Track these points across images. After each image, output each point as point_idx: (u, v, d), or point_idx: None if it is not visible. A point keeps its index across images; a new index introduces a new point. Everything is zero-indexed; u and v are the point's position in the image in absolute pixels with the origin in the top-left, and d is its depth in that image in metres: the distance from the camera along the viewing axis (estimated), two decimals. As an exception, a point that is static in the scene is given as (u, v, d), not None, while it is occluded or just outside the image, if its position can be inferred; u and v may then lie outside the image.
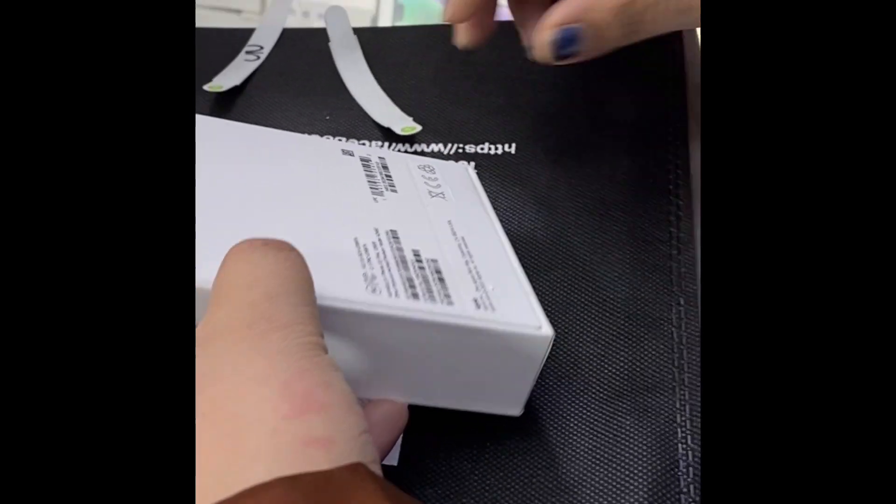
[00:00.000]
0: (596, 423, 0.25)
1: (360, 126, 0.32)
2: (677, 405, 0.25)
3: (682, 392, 0.25)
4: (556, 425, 0.25)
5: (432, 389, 0.22)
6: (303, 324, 0.19)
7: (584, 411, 0.25)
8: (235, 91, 0.33)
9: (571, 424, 0.25)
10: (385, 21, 0.48)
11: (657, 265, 0.28)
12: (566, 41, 0.26)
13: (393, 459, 0.24)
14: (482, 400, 0.23)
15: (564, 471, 0.24)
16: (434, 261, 0.22)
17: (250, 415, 0.18)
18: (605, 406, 0.25)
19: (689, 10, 0.26)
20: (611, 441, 0.24)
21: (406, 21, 0.48)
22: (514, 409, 0.23)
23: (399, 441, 0.25)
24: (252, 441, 0.17)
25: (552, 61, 0.26)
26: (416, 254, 0.22)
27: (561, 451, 0.25)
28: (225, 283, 0.20)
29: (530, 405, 0.24)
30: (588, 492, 0.23)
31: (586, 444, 0.24)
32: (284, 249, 0.20)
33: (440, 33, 0.34)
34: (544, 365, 0.22)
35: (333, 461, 0.18)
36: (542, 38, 0.26)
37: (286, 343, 0.19)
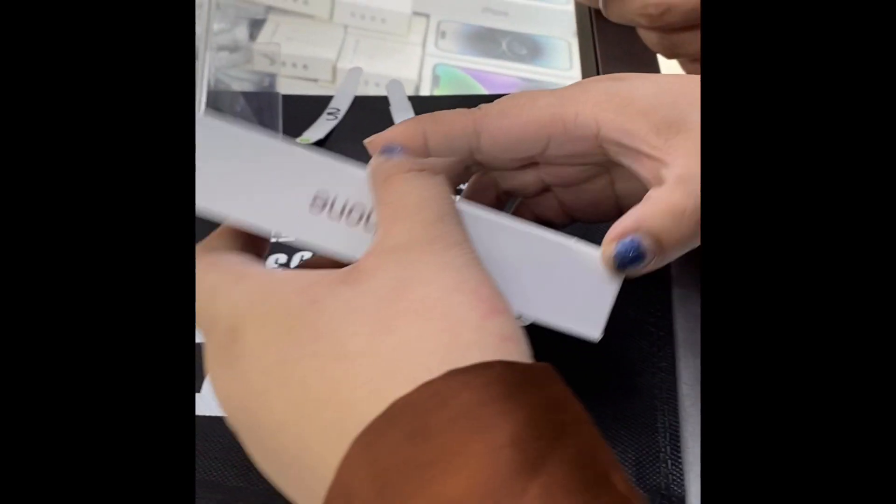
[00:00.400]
0: (593, 397, 0.31)
1: None
2: (656, 387, 0.31)
3: (660, 375, 0.31)
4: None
5: (533, 301, 0.26)
6: (466, 241, 0.22)
7: (582, 386, 0.31)
8: (320, 143, 0.42)
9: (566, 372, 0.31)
10: (425, 88, 0.55)
11: (639, 278, 0.35)
12: (624, 252, 0.25)
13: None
14: (570, 316, 0.26)
15: None
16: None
17: (456, 314, 0.20)
18: (598, 385, 0.31)
19: None
20: (606, 412, 0.30)
21: (441, 89, 0.56)
22: (594, 331, 0.26)
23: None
24: (464, 334, 0.20)
25: (618, 274, 0.26)
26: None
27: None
28: (394, 202, 0.23)
29: None
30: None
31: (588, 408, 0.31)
32: (437, 174, 0.23)
33: (469, 101, 0.43)
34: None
35: (522, 354, 0.21)
36: (605, 252, 0.25)
37: (463, 258, 0.22)
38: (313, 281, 0.22)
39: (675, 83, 0.27)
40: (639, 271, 0.25)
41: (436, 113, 0.28)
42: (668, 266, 0.34)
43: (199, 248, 0.25)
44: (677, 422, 0.30)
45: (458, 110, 0.28)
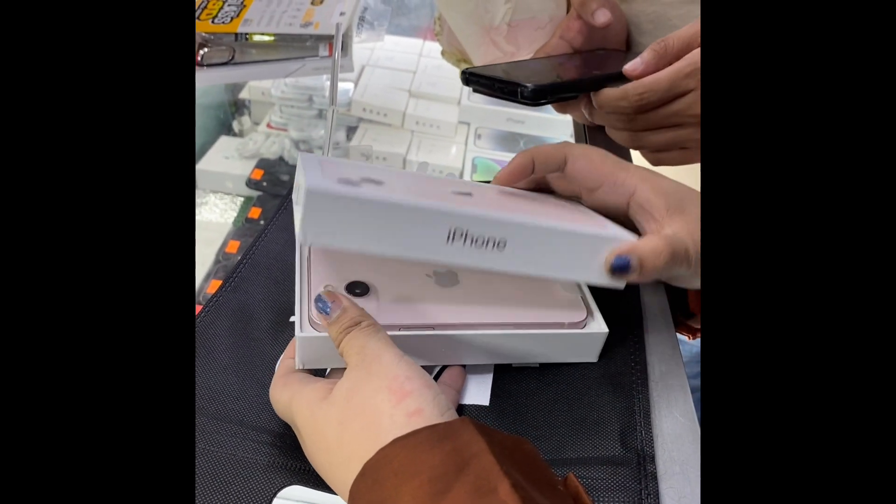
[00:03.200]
0: (592, 393, 0.36)
1: None
2: (634, 383, 0.37)
3: (633, 357, 0.37)
4: (560, 377, 0.37)
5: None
6: (388, 352, 0.28)
7: (585, 386, 0.36)
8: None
9: (573, 377, 0.36)
10: (467, 174, 0.64)
11: (620, 314, 0.40)
12: (620, 267, 0.33)
13: (485, 401, 0.36)
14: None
15: (579, 412, 0.35)
16: None
17: (379, 409, 0.26)
18: (594, 385, 0.36)
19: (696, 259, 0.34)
20: (601, 399, 0.35)
21: (478, 175, 0.64)
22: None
23: (490, 386, 0.36)
24: (383, 422, 0.26)
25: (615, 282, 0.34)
26: None
27: (569, 395, 0.36)
28: (349, 351, 0.29)
29: (530, 369, 0.37)
30: (591, 424, 0.35)
31: (577, 391, 0.36)
32: (374, 326, 0.30)
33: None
34: None
35: (427, 419, 0.25)
36: (607, 259, 0.34)
37: (384, 367, 0.28)
38: (313, 400, 0.29)
39: (685, 187, 0.36)
40: (626, 278, 0.34)
41: (538, 146, 0.37)
42: (640, 303, 0.41)
43: (280, 367, 0.33)
44: (648, 405, 0.36)
45: (552, 145, 0.37)
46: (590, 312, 0.38)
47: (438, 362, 0.34)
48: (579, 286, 0.39)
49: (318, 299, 0.31)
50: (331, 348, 0.32)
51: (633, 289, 0.44)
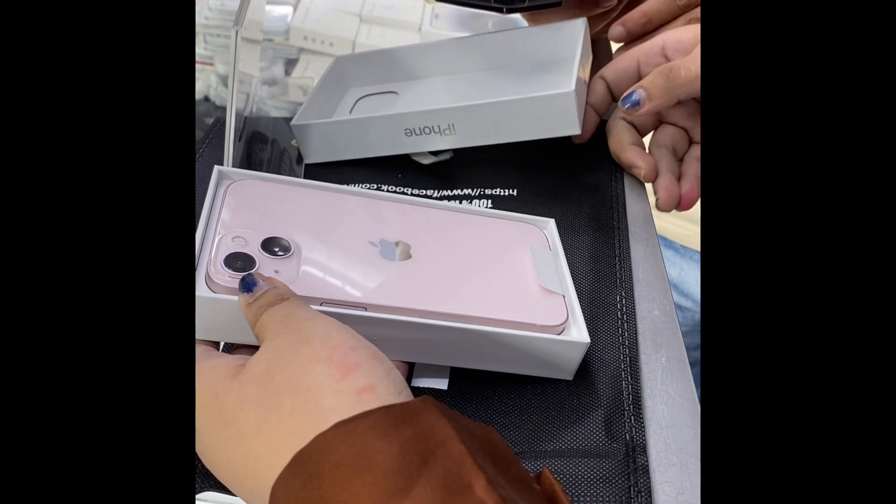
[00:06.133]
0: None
1: (420, 181, 0.47)
2: (621, 357, 0.34)
3: (623, 350, 0.35)
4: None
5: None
6: (317, 316, 0.25)
7: None
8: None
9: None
10: None
11: (607, 272, 0.39)
12: (628, 99, 0.42)
13: (443, 385, 0.33)
14: None
15: (555, 397, 0.32)
16: None
17: (317, 384, 0.22)
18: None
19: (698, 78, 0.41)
20: (582, 380, 0.33)
21: None
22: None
23: (448, 371, 0.33)
24: (325, 401, 0.22)
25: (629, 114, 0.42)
26: None
27: (552, 386, 0.33)
28: (266, 325, 0.25)
29: None
30: (571, 410, 0.32)
31: (569, 382, 0.33)
32: (293, 298, 0.26)
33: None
34: None
35: (381, 398, 0.22)
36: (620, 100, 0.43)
37: (317, 332, 0.24)
38: (217, 379, 0.24)
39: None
40: (637, 111, 0.42)
41: (666, 69, 0.42)
42: (629, 259, 0.40)
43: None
44: (639, 386, 0.33)
45: (674, 72, 0.42)
46: (571, 316, 0.33)
47: None
48: (562, 284, 0.35)
49: (244, 282, 0.27)
50: (237, 316, 0.28)
51: (624, 248, 0.41)
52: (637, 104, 0.41)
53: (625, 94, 0.42)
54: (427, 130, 0.43)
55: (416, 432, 0.20)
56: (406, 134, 0.44)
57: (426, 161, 0.46)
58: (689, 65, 0.41)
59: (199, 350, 0.27)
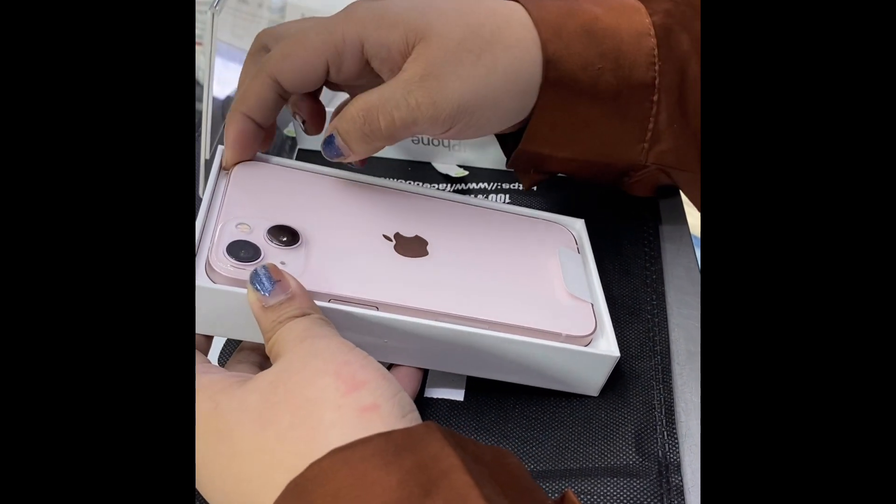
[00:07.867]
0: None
1: (430, 176, 0.44)
2: (652, 366, 0.33)
3: (655, 358, 0.33)
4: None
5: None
6: (332, 334, 0.24)
7: None
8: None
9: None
10: None
11: (636, 273, 0.37)
12: (328, 146, 0.30)
13: (459, 396, 0.31)
14: None
15: (581, 410, 0.31)
16: None
17: (320, 396, 0.22)
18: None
19: (415, 125, 0.29)
20: (610, 392, 0.31)
21: None
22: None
23: (464, 381, 0.32)
24: (326, 415, 0.21)
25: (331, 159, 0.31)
26: None
27: (578, 398, 0.31)
28: (281, 339, 0.24)
29: None
30: (598, 425, 0.30)
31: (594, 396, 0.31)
32: (313, 312, 0.25)
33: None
34: None
35: (384, 419, 0.21)
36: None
37: (328, 346, 0.24)
38: (219, 389, 0.23)
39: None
40: (345, 160, 0.30)
41: (241, 93, 0.30)
42: (660, 259, 0.38)
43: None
44: (672, 398, 0.31)
45: (252, 72, 0.30)
46: (599, 326, 0.31)
47: (379, 358, 0.25)
48: (591, 292, 0.33)
49: (257, 275, 0.26)
50: (239, 310, 0.26)
51: (654, 246, 0.39)
52: (341, 154, 0.30)
53: (324, 139, 0.30)
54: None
55: (418, 461, 0.20)
56: (413, 142, 0.43)
57: (454, 174, 0.44)
58: (392, 109, 0.28)
59: (198, 363, 0.26)
